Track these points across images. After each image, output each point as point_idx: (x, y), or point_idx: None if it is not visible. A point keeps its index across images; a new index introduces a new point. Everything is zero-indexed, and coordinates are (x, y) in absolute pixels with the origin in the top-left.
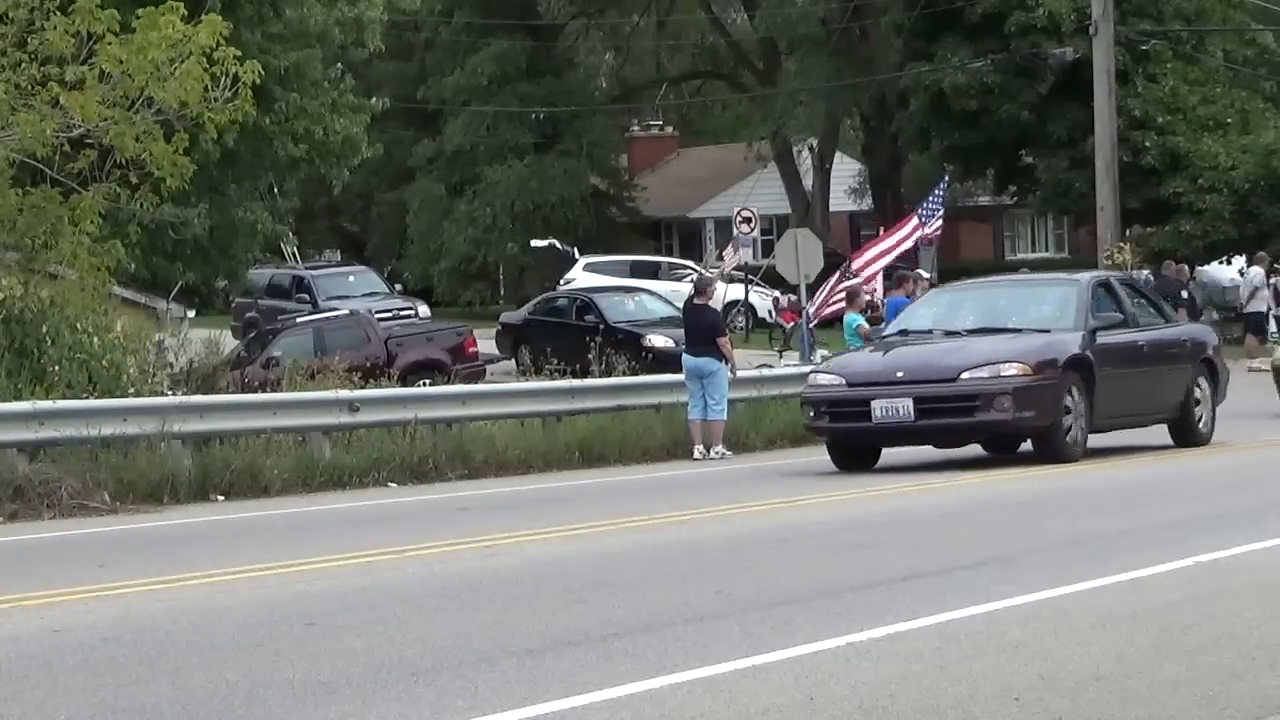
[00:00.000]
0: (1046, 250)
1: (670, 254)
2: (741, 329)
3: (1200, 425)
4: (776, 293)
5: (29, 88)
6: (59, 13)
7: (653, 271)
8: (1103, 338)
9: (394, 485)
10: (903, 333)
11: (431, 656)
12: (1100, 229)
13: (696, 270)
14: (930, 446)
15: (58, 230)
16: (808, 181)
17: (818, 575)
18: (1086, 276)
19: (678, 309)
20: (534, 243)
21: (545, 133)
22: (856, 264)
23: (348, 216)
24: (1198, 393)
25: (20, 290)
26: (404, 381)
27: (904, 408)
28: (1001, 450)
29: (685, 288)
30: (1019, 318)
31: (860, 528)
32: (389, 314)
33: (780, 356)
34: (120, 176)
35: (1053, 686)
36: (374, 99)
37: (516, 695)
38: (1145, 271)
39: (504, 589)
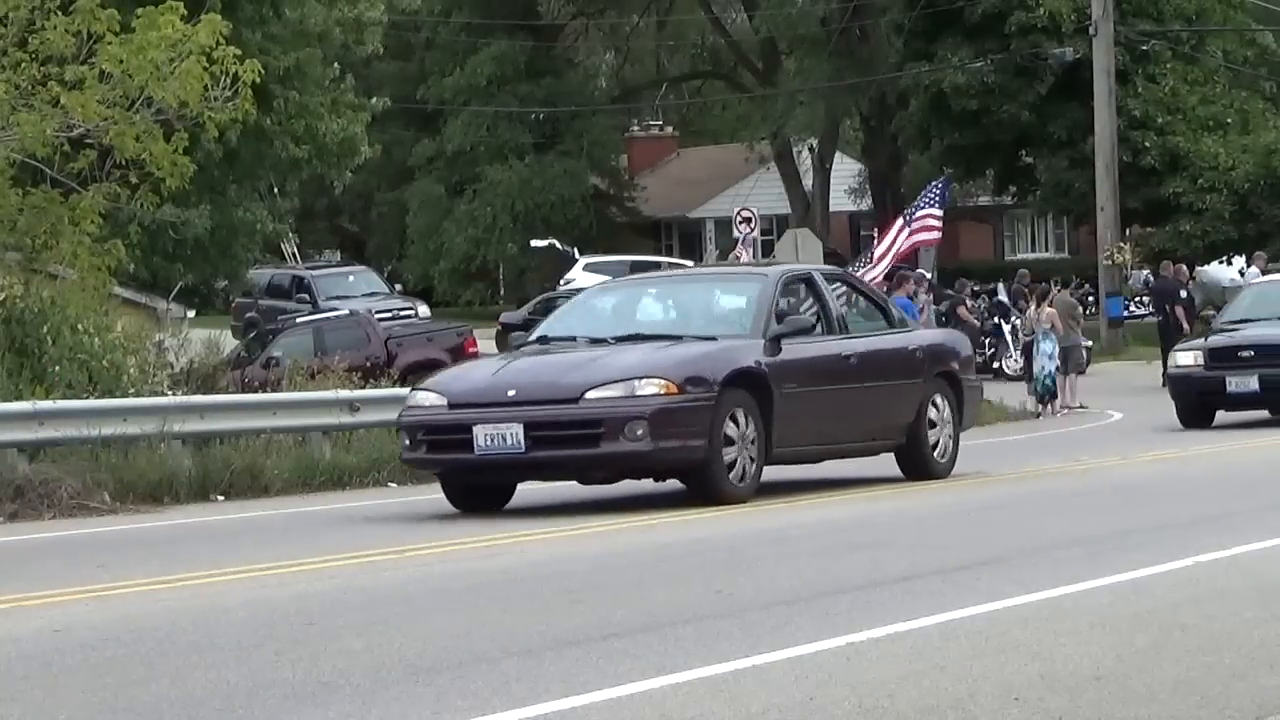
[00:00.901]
0: (1046, 250)
1: (670, 254)
2: None
3: (936, 454)
4: None
5: (29, 88)
6: (59, 13)
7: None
8: (791, 346)
9: (394, 485)
10: (542, 339)
11: (431, 656)
12: (1100, 229)
13: None
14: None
15: (58, 230)
16: (808, 181)
17: (818, 575)
18: (776, 271)
19: None
20: (534, 243)
21: (545, 133)
22: (869, 276)
23: (348, 216)
24: (933, 414)
25: (21, 290)
26: (404, 381)
27: (513, 435)
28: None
29: None
30: (686, 322)
31: (860, 528)
32: (389, 314)
33: None
34: (120, 176)
35: (1053, 686)
36: (374, 99)
37: (516, 695)
38: (1145, 271)
39: (504, 589)
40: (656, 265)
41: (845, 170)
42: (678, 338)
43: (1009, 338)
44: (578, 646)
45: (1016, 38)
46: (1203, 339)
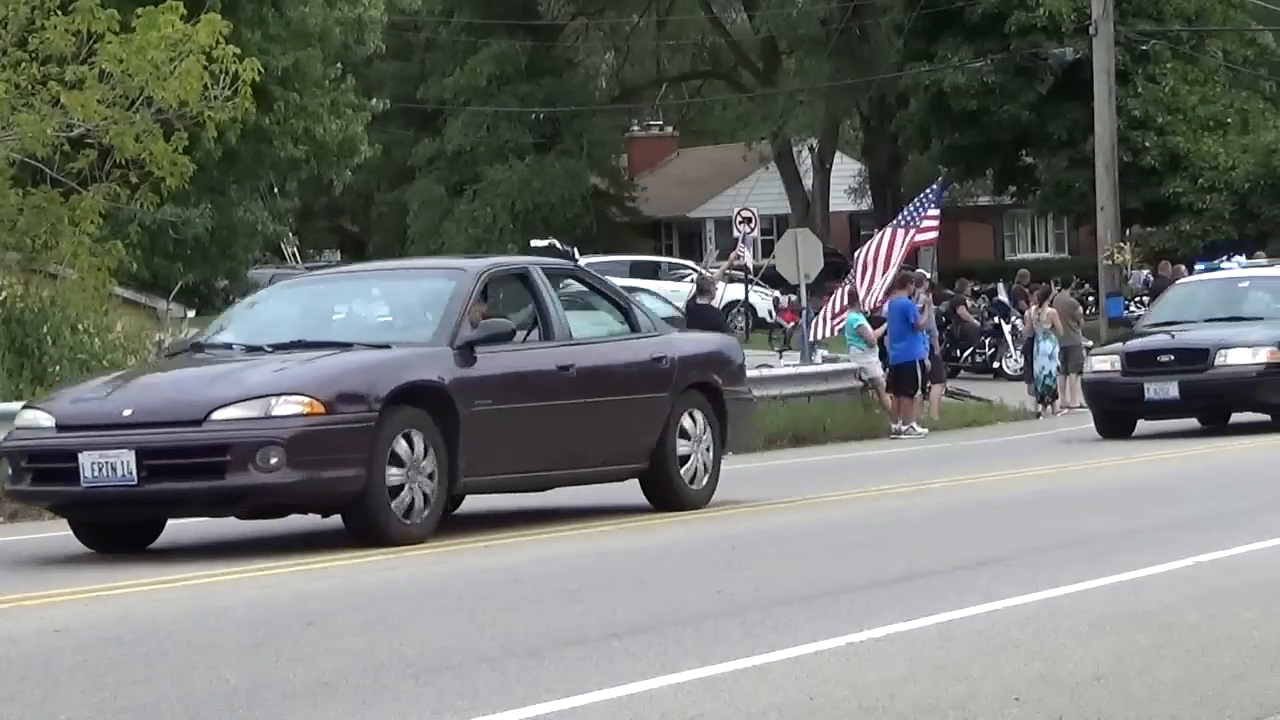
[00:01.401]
0: (1046, 250)
1: (670, 254)
2: (741, 329)
3: (689, 480)
4: (776, 293)
5: (29, 87)
6: (59, 12)
7: (653, 271)
8: (489, 356)
9: None
10: (196, 347)
11: (431, 656)
12: (1100, 229)
13: (697, 270)
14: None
15: (58, 230)
16: (808, 181)
17: (818, 575)
18: (478, 265)
19: (678, 309)
20: (534, 243)
21: (545, 133)
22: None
23: (348, 216)
24: (686, 434)
25: (21, 290)
26: None
27: (124, 464)
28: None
29: (685, 288)
30: (362, 326)
31: (860, 528)
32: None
33: (780, 356)
34: (120, 176)
35: (1053, 686)
36: (374, 99)
37: (516, 695)
38: (1145, 271)
39: (504, 589)
40: (656, 266)
41: (845, 170)
42: (348, 345)
43: (1009, 338)
44: (578, 646)
45: (1016, 38)
46: (1120, 342)
